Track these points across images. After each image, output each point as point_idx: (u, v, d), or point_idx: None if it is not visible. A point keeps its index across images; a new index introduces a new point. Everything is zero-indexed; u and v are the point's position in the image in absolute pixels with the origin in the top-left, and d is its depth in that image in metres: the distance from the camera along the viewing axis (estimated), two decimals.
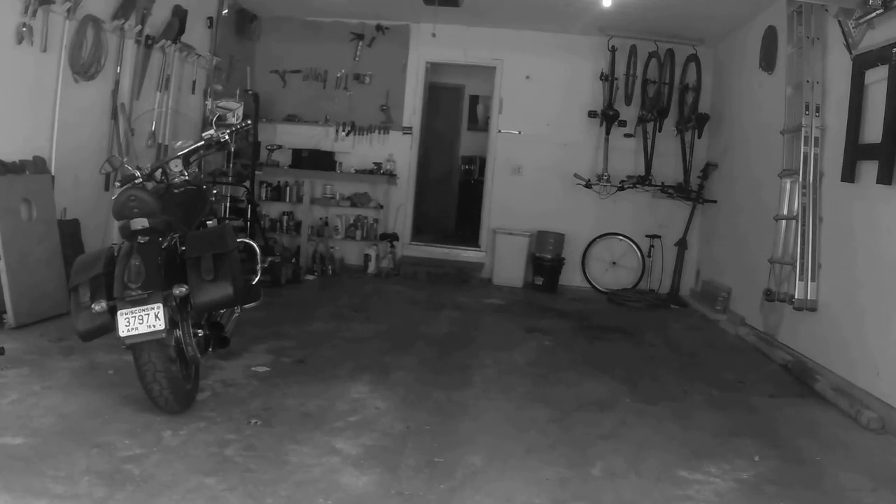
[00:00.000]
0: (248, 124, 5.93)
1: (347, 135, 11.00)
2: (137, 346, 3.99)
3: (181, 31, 8.49)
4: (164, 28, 8.24)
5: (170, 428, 4.10)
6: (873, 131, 5.82)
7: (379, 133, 11.03)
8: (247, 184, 9.18)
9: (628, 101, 10.53)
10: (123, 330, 3.91)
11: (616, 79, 10.49)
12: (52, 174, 6.64)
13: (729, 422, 5.14)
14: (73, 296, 4.12)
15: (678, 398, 5.63)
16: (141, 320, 3.92)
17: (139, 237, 4.16)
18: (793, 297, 6.63)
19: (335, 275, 10.06)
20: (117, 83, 7.52)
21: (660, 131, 10.40)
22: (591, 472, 4.08)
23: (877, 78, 5.79)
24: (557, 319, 8.42)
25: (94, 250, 5.22)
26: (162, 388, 4.08)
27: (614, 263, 10.73)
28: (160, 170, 4.93)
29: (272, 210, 10.81)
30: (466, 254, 11.26)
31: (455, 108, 14.65)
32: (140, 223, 4.17)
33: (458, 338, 7.16)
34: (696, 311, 9.58)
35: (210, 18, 9.46)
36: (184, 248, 4.40)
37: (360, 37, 10.91)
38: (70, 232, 6.81)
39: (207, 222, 5.32)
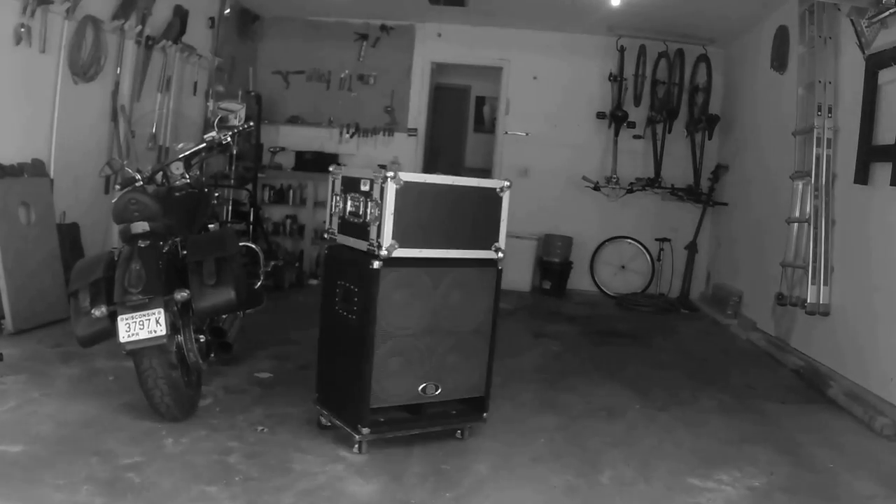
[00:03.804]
0: (251, 126, 5.94)
1: (351, 136, 11.03)
2: (138, 352, 3.99)
3: (182, 31, 8.51)
4: (165, 28, 8.26)
5: (171, 435, 4.11)
6: (887, 132, 5.81)
7: (383, 135, 11.05)
8: (249, 187, 9.19)
9: (637, 101, 10.54)
10: (124, 335, 3.92)
11: (625, 79, 10.50)
12: (51, 177, 6.66)
13: (740, 428, 5.13)
14: (72, 301, 4.12)
15: (688, 404, 5.62)
16: (142, 326, 3.92)
17: (140, 241, 4.16)
18: (805, 301, 6.61)
19: None
20: (117, 84, 7.54)
21: (669, 133, 10.40)
22: (600, 479, 4.07)
23: (890, 78, 5.79)
24: (565, 324, 8.42)
25: (93, 254, 5.25)
26: (163, 394, 4.09)
27: (623, 267, 10.72)
28: (161, 172, 4.94)
29: (275, 213, 10.81)
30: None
31: (461, 109, 14.69)
32: (141, 227, 4.18)
33: None
34: (707, 315, 9.57)
35: (211, 18, 9.48)
36: (185, 252, 4.40)
37: (364, 37, 10.93)
38: (69, 236, 6.83)
39: (209, 226, 5.33)
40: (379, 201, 3.95)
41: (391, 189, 3.92)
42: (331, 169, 4.36)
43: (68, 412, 4.35)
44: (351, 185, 4.23)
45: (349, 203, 4.23)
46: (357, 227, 4.16)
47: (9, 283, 5.81)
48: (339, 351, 4.28)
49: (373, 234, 4.00)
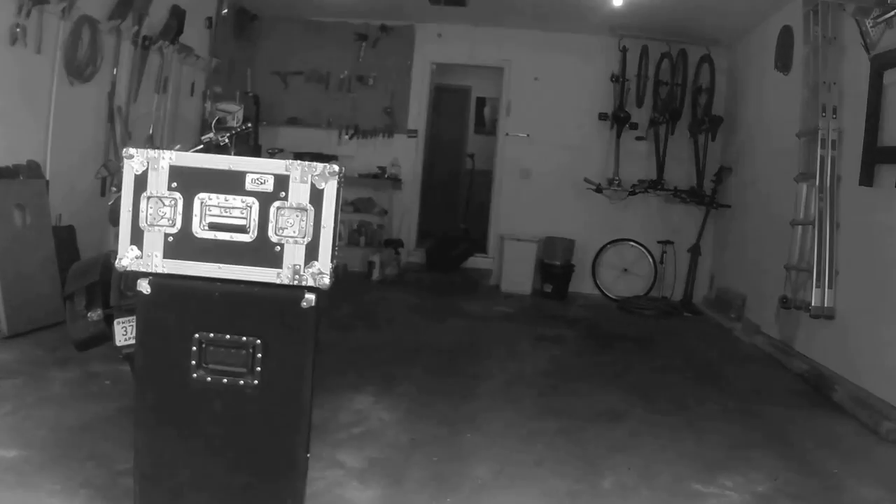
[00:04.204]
0: (249, 127, 5.94)
1: (351, 138, 11.04)
2: (134, 355, 3.99)
3: (179, 31, 8.51)
4: (162, 28, 8.27)
5: None
6: (892, 134, 5.82)
7: (383, 136, 11.06)
8: None
9: (640, 102, 10.54)
10: (120, 339, 3.91)
11: (627, 80, 10.50)
12: (47, 179, 6.67)
13: (744, 433, 5.13)
14: (68, 304, 4.12)
15: (692, 409, 5.62)
16: None
17: None
18: (809, 304, 6.61)
19: (338, 282, 9.98)
20: (114, 85, 7.55)
21: (672, 134, 10.39)
22: (602, 485, 4.08)
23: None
24: (567, 328, 8.42)
25: (90, 257, 5.24)
26: None
27: (626, 270, 10.71)
28: None
29: None
30: (474, 260, 11.24)
31: (461, 110, 14.68)
32: None
33: (464, 347, 7.16)
34: (710, 319, 9.57)
35: (209, 19, 9.49)
36: None
37: (363, 37, 10.93)
38: (65, 238, 6.83)
39: None
40: None
41: None
42: None
43: (64, 416, 4.35)
44: None
45: None
46: None
47: (4, 286, 5.81)
48: None
49: None
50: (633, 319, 9.43)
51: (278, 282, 2.89)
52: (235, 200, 2.85)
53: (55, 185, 6.76)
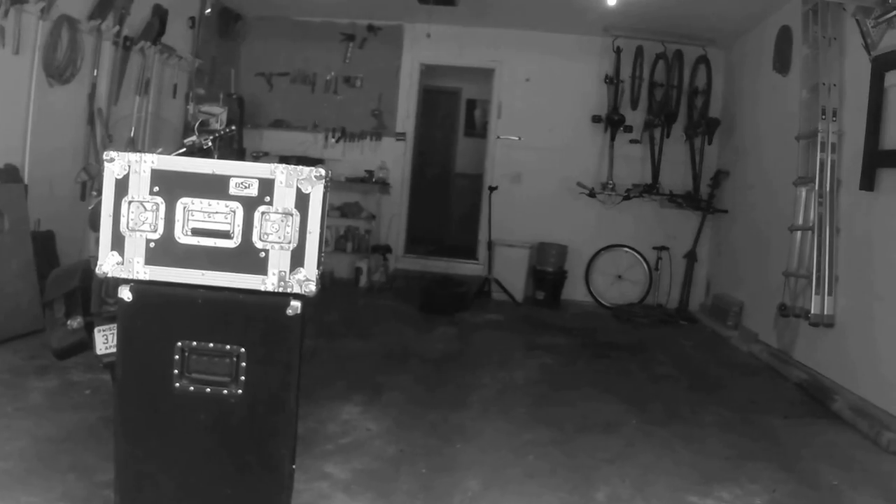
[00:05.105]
0: (233, 130, 5.94)
1: (337, 141, 11.04)
2: (115, 364, 3.99)
3: (161, 31, 8.51)
4: (144, 29, 8.26)
5: None
6: (894, 137, 5.85)
7: (371, 139, 11.05)
8: None
9: (634, 104, 10.55)
10: (101, 347, 3.90)
11: (621, 81, 10.51)
12: (25, 183, 6.65)
13: (741, 444, 5.14)
14: (47, 311, 4.12)
15: (687, 419, 5.64)
16: None
17: None
18: (808, 311, 6.64)
19: (325, 289, 9.97)
20: (94, 87, 7.54)
21: (668, 137, 10.42)
22: (596, 497, 4.09)
23: None
24: (560, 336, 8.43)
25: (69, 263, 5.24)
26: None
27: (620, 277, 10.73)
28: None
29: None
30: (464, 267, 11.25)
31: (451, 112, 14.70)
32: None
33: (454, 356, 7.17)
34: (707, 327, 9.59)
35: (192, 18, 9.49)
36: None
37: (350, 38, 10.94)
38: (44, 244, 6.81)
39: None
40: None
41: None
42: None
43: (43, 427, 4.34)
44: None
45: None
46: None
47: None
48: None
49: None
50: (627, 327, 9.44)
51: (263, 289, 2.86)
52: (219, 205, 2.83)
53: (34, 189, 6.74)
